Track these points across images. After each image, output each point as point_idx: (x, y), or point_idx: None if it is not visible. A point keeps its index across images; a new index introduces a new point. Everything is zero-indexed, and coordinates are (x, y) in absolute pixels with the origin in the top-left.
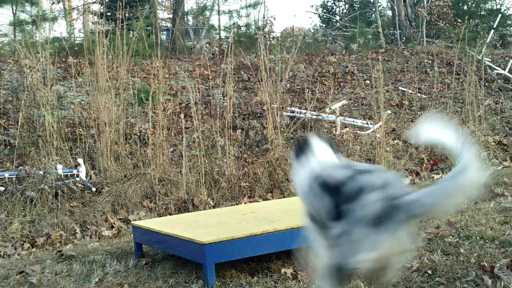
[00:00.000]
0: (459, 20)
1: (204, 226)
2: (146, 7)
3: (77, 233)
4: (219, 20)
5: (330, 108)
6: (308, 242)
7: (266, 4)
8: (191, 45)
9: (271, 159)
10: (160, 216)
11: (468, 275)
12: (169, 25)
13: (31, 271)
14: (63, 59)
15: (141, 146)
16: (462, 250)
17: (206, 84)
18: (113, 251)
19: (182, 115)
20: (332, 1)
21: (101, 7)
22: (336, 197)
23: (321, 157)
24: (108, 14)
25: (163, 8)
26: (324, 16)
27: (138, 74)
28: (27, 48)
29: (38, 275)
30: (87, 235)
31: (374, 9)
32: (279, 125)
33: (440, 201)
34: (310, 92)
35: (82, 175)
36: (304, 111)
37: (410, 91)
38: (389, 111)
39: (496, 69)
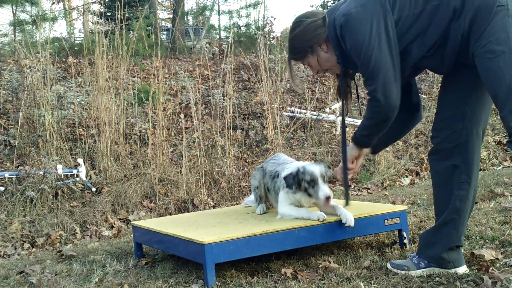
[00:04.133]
0: None
1: (204, 226)
2: (146, 7)
3: (77, 233)
4: (219, 20)
5: (330, 108)
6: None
7: (266, 4)
8: (191, 45)
9: None
10: (160, 216)
11: (468, 275)
12: (169, 25)
13: (31, 271)
14: (63, 59)
15: (141, 146)
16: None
17: (206, 84)
18: (113, 251)
19: (182, 115)
20: (332, 1)
21: (101, 7)
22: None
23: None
24: (108, 14)
25: (163, 8)
26: None
27: (138, 74)
28: (27, 48)
29: (38, 275)
30: (87, 235)
31: None
32: (279, 125)
33: None
34: (310, 92)
35: (82, 175)
36: (304, 111)
37: None
38: None
39: None
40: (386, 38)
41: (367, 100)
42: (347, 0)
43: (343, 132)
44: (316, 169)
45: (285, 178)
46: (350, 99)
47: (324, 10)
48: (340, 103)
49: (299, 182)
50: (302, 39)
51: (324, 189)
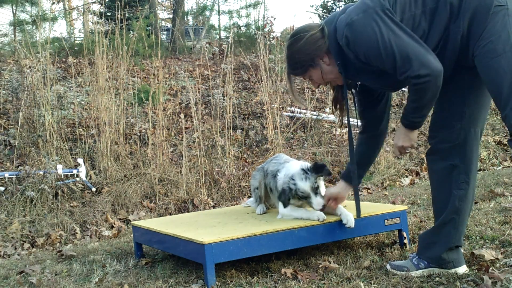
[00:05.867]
0: None
1: (204, 226)
2: (146, 7)
3: (77, 233)
4: (219, 20)
5: (330, 108)
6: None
7: (266, 4)
8: (191, 45)
9: None
10: (160, 216)
11: (468, 275)
12: (169, 25)
13: (31, 271)
14: (63, 59)
15: (141, 146)
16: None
17: (206, 84)
18: (113, 251)
19: (182, 115)
20: (332, 1)
21: (101, 7)
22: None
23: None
24: (108, 14)
25: (163, 8)
26: (324, 16)
27: (138, 74)
28: (27, 48)
29: (38, 275)
30: (87, 235)
31: None
32: (279, 125)
33: None
34: (310, 92)
35: (82, 175)
36: (304, 111)
37: None
38: None
39: None
40: (398, 27)
41: (410, 87)
42: (346, 10)
43: (351, 144)
44: (306, 186)
45: (279, 197)
46: (346, 111)
47: (322, 21)
48: (340, 113)
49: (293, 196)
50: (303, 53)
51: (317, 201)
